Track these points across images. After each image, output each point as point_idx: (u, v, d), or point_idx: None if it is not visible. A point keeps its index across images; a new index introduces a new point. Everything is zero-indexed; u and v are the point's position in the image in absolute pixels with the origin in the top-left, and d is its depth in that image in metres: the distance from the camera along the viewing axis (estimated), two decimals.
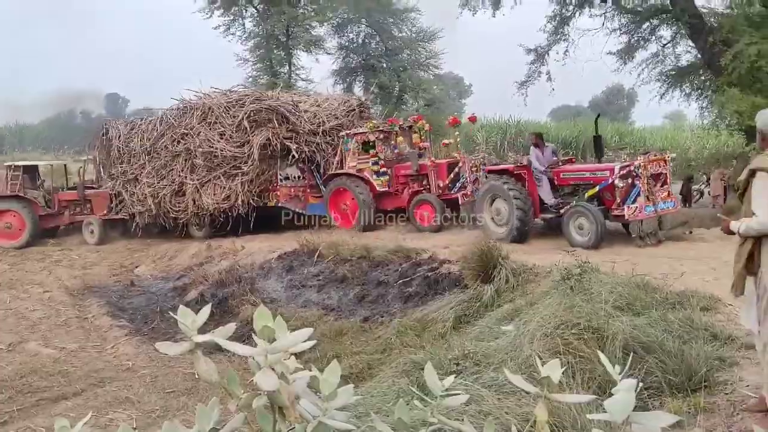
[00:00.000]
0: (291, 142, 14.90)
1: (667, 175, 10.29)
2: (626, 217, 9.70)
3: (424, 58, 29.22)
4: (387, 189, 13.87)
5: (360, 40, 28.82)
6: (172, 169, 15.90)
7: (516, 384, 1.57)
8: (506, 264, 8.16)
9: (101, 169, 18.24)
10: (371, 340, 8.11)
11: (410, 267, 9.97)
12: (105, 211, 17.33)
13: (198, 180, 15.36)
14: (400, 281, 9.65)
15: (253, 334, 1.40)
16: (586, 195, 10.15)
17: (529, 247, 10.07)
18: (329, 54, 28.34)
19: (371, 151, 14.03)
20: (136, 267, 14.65)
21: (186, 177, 15.58)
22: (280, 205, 15.27)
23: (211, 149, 15.03)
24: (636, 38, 15.07)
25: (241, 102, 15.31)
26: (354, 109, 16.78)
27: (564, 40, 16.01)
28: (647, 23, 14.83)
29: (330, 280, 10.62)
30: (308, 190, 15.73)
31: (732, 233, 3.82)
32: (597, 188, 10.07)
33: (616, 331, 4.57)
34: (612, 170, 10.00)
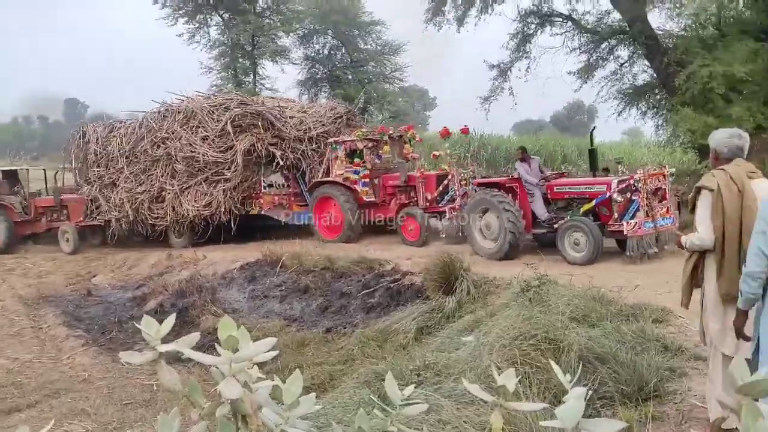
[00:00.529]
0: (276, 149, 14.55)
1: (666, 190, 9.93)
2: (625, 233, 9.30)
3: (389, 71, 29.49)
4: (374, 199, 13.52)
5: (326, 52, 28.95)
6: (152, 174, 15.36)
7: (473, 393, 1.64)
8: (468, 276, 8.28)
9: (77, 174, 17.48)
10: (333, 351, 8.12)
11: (373, 278, 10.02)
12: (81, 218, 16.70)
13: (178, 186, 14.83)
14: (363, 292, 9.69)
15: (216, 344, 1.44)
16: (582, 209, 9.88)
17: (491, 259, 10.21)
18: (295, 64, 28.43)
19: (357, 160, 13.68)
20: (94, 276, 14.35)
21: (166, 182, 15.04)
22: (263, 213, 14.87)
23: (193, 154, 14.55)
24: (595, 57, 15.52)
25: (225, 106, 14.85)
26: (341, 117, 16.43)
27: (526, 57, 16.39)
28: (606, 43, 15.30)
29: (293, 290, 10.61)
30: (292, 198, 15.34)
31: (683, 248, 4.00)
32: (593, 203, 9.80)
33: (572, 342, 4.69)
34: (609, 184, 9.73)
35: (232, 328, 1.50)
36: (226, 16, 26.26)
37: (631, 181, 9.61)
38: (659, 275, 8.13)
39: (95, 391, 7.34)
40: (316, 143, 15.26)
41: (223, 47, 26.33)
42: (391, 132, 14.27)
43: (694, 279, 3.88)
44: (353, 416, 3.90)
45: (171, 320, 1.53)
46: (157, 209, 15.20)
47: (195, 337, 1.56)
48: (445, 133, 13.38)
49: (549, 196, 10.54)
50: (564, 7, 15.67)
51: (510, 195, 10.41)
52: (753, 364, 3.18)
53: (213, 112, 14.76)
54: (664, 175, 9.90)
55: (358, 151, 13.69)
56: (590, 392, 4.20)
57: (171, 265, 13.49)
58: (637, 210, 9.50)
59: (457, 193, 12.15)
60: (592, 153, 11.21)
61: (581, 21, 15.45)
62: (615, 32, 14.77)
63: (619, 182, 9.68)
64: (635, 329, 5.42)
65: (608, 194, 9.63)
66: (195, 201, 14.56)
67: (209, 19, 26.69)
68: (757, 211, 3.61)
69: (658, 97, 15.23)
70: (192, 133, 14.73)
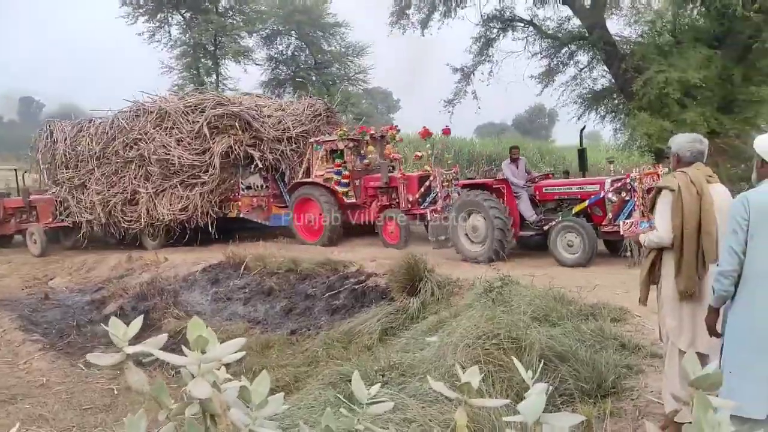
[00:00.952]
0: (254, 150, 14.10)
1: None
2: (622, 233, 8.95)
3: (353, 73, 29.52)
4: (355, 201, 13.17)
5: (289, 53, 28.82)
6: (124, 176, 14.81)
7: (438, 390, 1.69)
8: (432, 277, 8.37)
9: (45, 174, 16.76)
10: (298, 352, 8.12)
11: (338, 280, 10.04)
12: (50, 219, 16.16)
13: (152, 189, 14.31)
14: (328, 294, 9.70)
15: (183, 346, 1.45)
16: (573, 210, 9.64)
17: (454, 261, 10.31)
18: (258, 65, 28.23)
19: (338, 161, 13.33)
20: (51, 279, 14.01)
21: (139, 185, 14.53)
22: (241, 216, 14.47)
23: (168, 156, 14.02)
24: (556, 62, 15.83)
25: (200, 107, 14.28)
26: (320, 114, 15.95)
27: (489, 61, 16.61)
28: (566, 48, 15.61)
29: (256, 292, 10.56)
30: (272, 200, 14.96)
31: (641, 246, 4.15)
32: (586, 203, 9.55)
33: (533, 341, 4.80)
34: (602, 184, 9.52)
35: (201, 328, 1.52)
36: (187, 15, 25.93)
37: (627, 180, 9.33)
38: (617, 276, 8.34)
39: (54, 396, 7.19)
40: (296, 143, 14.88)
41: (185, 47, 26.00)
42: (372, 132, 13.90)
43: (652, 276, 4.02)
44: (319, 417, 3.93)
45: (138, 322, 1.54)
46: (131, 212, 14.70)
47: (162, 338, 1.57)
48: (426, 134, 12.98)
49: (537, 198, 10.32)
50: (525, 13, 16.01)
51: (496, 196, 10.17)
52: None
53: (188, 113, 14.24)
54: (658, 175, 9.48)
55: (339, 152, 13.38)
56: (551, 389, 4.31)
57: (131, 267, 13.27)
58: (633, 210, 9.16)
59: (440, 194, 11.89)
60: (582, 153, 11.09)
61: (542, 26, 15.74)
62: (575, 38, 15.10)
63: (613, 182, 9.50)
64: (594, 328, 5.57)
65: (602, 194, 9.45)
66: (170, 205, 14.11)
67: (170, 18, 26.33)
68: (715, 213, 3.77)
69: (616, 101, 15.61)
70: (166, 135, 14.21)
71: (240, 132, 14.01)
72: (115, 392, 7.39)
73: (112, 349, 1.57)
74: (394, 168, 13.23)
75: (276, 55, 28.71)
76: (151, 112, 14.60)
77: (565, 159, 29.46)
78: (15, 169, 18.76)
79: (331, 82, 28.35)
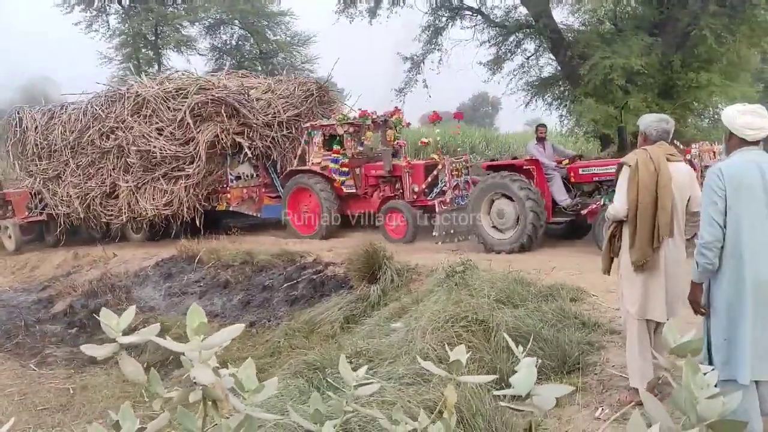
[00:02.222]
0: (243, 138, 12.97)
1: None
2: None
3: (299, 62, 29.20)
4: (354, 191, 12.13)
5: (234, 42, 28.28)
6: (102, 168, 13.69)
7: (428, 369, 1.73)
8: (391, 264, 8.42)
9: (17, 165, 15.55)
10: (259, 344, 8.06)
11: (295, 270, 9.99)
12: (25, 213, 15.09)
13: (133, 182, 13.18)
14: (286, 285, 9.65)
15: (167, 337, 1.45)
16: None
17: (411, 247, 10.39)
18: (202, 55, 27.55)
19: (336, 147, 12.23)
20: None
21: (119, 177, 13.41)
22: (232, 209, 13.53)
23: (148, 148, 12.85)
24: (503, 50, 16.06)
25: (182, 93, 12.97)
26: (312, 94, 14.63)
27: (438, 49, 16.73)
28: (513, 36, 15.85)
29: (212, 286, 10.42)
30: (263, 190, 13.87)
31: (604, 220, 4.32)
32: None
33: (500, 322, 4.93)
34: None
35: (201, 315, 1.52)
36: (126, 3, 25.11)
37: (686, 157, 8.19)
38: (570, 258, 8.59)
39: (6, 398, 6.95)
40: (287, 128, 13.75)
41: (124, 36, 25.17)
42: (374, 115, 12.70)
43: (612, 247, 4.19)
44: (294, 404, 3.93)
45: (131, 312, 1.53)
46: (111, 206, 13.63)
47: (156, 327, 1.57)
48: (435, 118, 12.07)
49: (571, 180, 9.50)
50: (473, 1, 16.16)
51: (526, 178, 9.34)
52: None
53: (168, 99, 12.98)
54: (714, 152, 8.84)
55: (337, 137, 12.28)
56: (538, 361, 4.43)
57: (78, 264, 12.87)
58: None
59: (449, 184, 10.93)
60: (621, 130, 10.43)
61: (490, 15, 15.94)
62: (522, 26, 15.35)
63: None
64: (555, 308, 5.74)
65: None
66: (153, 199, 13.02)
67: (108, 7, 25.43)
68: (674, 189, 3.95)
69: (562, 88, 15.98)
70: (145, 124, 13.03)
71: (226, 119, 12.86)
72: (71, 392, 7.19)
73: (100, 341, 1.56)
74: (396, 155, 12.28)
75: (220, 45, 28.11)
76: (127, 98, 13.34)
77: (510, 147, 29.99)
78: None
79: (276, 72, 27.96)
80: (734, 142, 3.34)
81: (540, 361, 4.60)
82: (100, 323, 1.48)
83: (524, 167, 9.44)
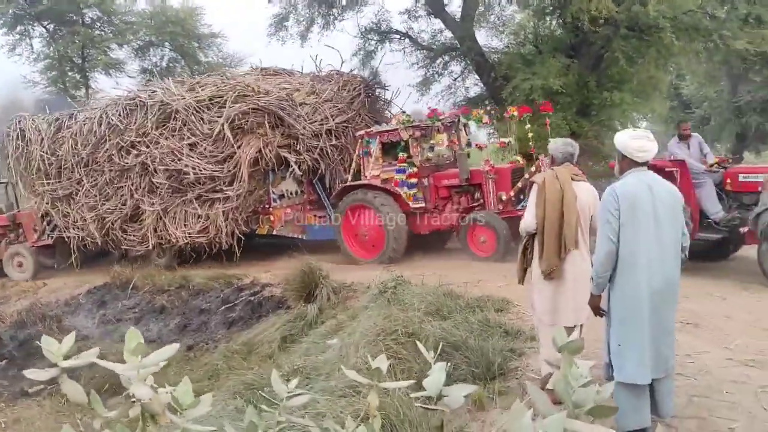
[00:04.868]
0: (288, 152, 11.33)
1: None
2: None
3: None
4: (423, 205, 10.55)
5: (164, 64, 27.99)
6: (121, 187, 12.01)
7: (352, 377, 1.97)
8: (327, 283, 8.62)
9: (19, 183, 13.61)
10: (197, 368, 8.10)
11: (232, 292, 10.06)
12: (35, 237, 13.62)
13: (160, 205, 11.52)
14: (223, 307, 9.71)
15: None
16: None
17: (348, 265, 10.60)
18: (131, 77, 27.13)
19: (401, 155, 10.63)
20: None
21: (142, 199, 11.71)
22: (275, 232, 11.90)
23: (179, 167, 11.19)
24: (431, 72, 16.62)
25: (218, 102, 11.25)
26: (359, 95, 13.08)
27: (371, 72, 17.09)
28: (440, 59, 16.42)
29: (148, 311, 10.36)
30: (308, 208, 12.26)
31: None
32: None
33: (428, 333, 5.22)
34: None
35: (138, 337, 1.73)
36: (51, 26, 24.53)
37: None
38: (498, 271, 8.98)
39: None
40: (336, 137, 12.12)
41: (50, 60, 24.58)
42: (444, 116, 11.00)
43: (525, 259, 4.57)
44: (229, 422, 4.09)
45: (71, 338, 1.72)
46: (133, 231, 12.01)
47: (95, 351, 1.76)
48: (525, 111, 10.40)
49: (729, 188, 7.90)
50: (401, 25, 16.69)
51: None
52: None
53: (201, 110, 11.28)
54: None
55: (401, 144, 10.73)
56: (448, 375, 4.73)
57: (6, 295, 12.49)
58: None
59: None
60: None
61: (417, 38, 16.49)
62: (448, 49, 15.94)
63: None
64: (481, 318, 6.08)
65: None
66: (185, 225, 11.41)
67: (31, 30, 24.78)
68: (578, 207, 4.35)
69: (489, 108, 16.63)
70: (174, 138, 11.32)
71: (270, 130, 11.21)
72: (3, 425, 7.06)
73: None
74: (469, 156, 10.67)
75: (150, 67, 27.77)
76: (150, 107, 11.60)
77: None
78: (7, 183, 15.00)
79: None
80: (626, 163, 3.72)
81: (466, 368, 4.97)
82: (36, 351, 1.66)
83: (666, 169, 7.64)
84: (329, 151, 11.95)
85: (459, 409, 4.43)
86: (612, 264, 3.57)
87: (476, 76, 15.92)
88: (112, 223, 12.10)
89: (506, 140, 10.92)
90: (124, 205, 11.96)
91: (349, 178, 11.25)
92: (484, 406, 4.47)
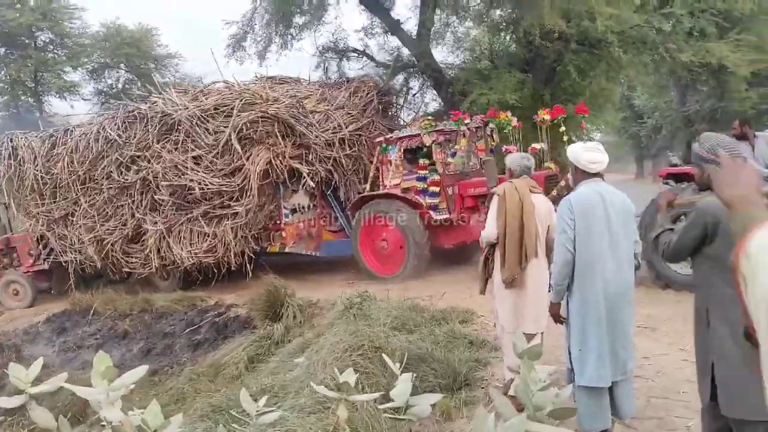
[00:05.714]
0: (300, 163, 10.74)
1: None
2: None
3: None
4: (447, 216, 9.85)
5: (120, 86, 27.65)
6: (121, 206, 11.26)
7: (320, 392, 2.04)
8: (293, 301, 8.61)
9: (12, 205, 12.78)
10: (162, 392, 7.97)
11: (197, 315, 9.94)
12: (29, 262, 12.89)
13: (164, 223, 10.74)
14: (188, 330, 9.59)
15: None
16: None
17: (313, 282, 10.59)
18: (86, 100, 26.74)
19: (423, 161, 10.00)
20: None
21: (144, 218, 10.94)
22: (287, 250, 11.17)
23: (183, 182, 10.43)
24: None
25: (223, 111, 10.47)
26: (372, 101, 12.61)
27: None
28: (399, 75, 16.63)
29: (110, 337, 10.15)
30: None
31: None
32: None
33: (395, 347, 5.28)
34: None
35: (107, 360, 1.77)
36: (2, 50, 24.07)
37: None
38: (462, 283, 9.11)
39: None
40: (350, 146, 11.60)
41: (1, 84, 24.10)
42: (469, 119, 10.21)
43: (487, 269, 4.69)
44: None
45: (38, 365, 1.75)
46: (135, 252, 11.26)
47: (64, 376, 1.79)
48: (558, 112, 9.76)
49: None
50: (358, 43, 16.89)
51: None
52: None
53: (206, 119, 10.47)
54: None
55: (423, 150, 10.10)
56: (415, 387, 4.80)
57: None
58: None
59: None
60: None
61: (374, 56, 16.70)
62: (405, 65, 16.16)
63: None
64: (446, 330, 6.19)
65: None
66: (191, 244, 10.61)
67: None
68: (535, 217, 4.50)
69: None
70: (177, 151, 10.51)
71: (280, 140, 10.53)
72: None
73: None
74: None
75: (105, 89, 27.42)
76: (151, 119, 10.87)
77: None
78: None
79: None
80: (579, 174, 3.87)
81: (432, 380, 5.04)
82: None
83: None
84: (343, 161, 11.44)
85: (426, 420, 4.51)
86: (569, 272, 3.70)
87: (434, 92, 16.16)
88: (112, 245, 11.35)
89: (537, 146, 10.00)
90: (125, 225, 11.22)
91: (367, 188, 10.66)
92: (451, 416, 4.55)
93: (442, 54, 16.60)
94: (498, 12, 14.91)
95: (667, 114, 25.28)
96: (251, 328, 8.82)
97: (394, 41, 16.36)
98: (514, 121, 10.06)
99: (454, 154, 10.11)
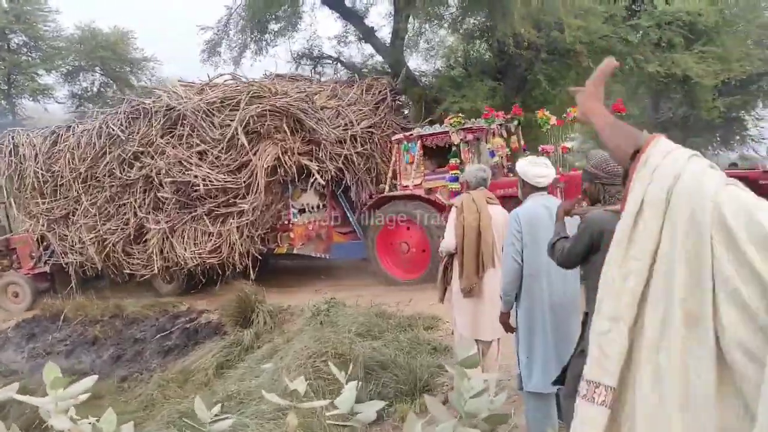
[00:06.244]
0: (310, 160, 10.40)
1: None
2: None
3: None
4: None
5: (95, 89, 27.47)
6: (123, 205, 10.88)
7: (270, 400, 2.15)
8: (263, 308, 8.69)
9: (13, 204, 12.44)
10: (132, 399, 8.00)
11: (168, 320, 9.96)
12: (30, 264, 12.53)
13: (167, 222, 10.36)
14: (159, 336, 9.60)
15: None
16: None
17: (285, 287, 10.65)
18: (60, 103, 26.52)
19: (453, 161, 9.43)
20: None
21: (147, 217, 10.57)
22: (295, 251, 10.79)
23: (187, 178, 9.98)
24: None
25: (230, 104, 10.07)
26: (385, 99, 12.34)
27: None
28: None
29: (80, 343, 10.11)
30: (331, 224, 11.27)
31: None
32: None
33: (358, 354, 5.40)
34: None
35: (56, 371, 1.86)
36: None
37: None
38: (429, 290, 9.22)
39: None
40: (362, 143, 11.29)
41: None
42: (501, 116, 9.78)
43: (446, 278, 4.83)
44: None
45: None
46: (137, 253, 10.89)
47: (15, 386, 1.88)
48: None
49: None
50: (332, 50, 16.99)
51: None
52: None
53: (212, 113, 10.07)
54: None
55: (450, 148, 9.60)
56: (375, 394, 4.91)
57: None
58: None
59: None
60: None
61: (348, 63, 16.81)
62: (379, 73, 16.30)
63: None
64: (411, 337, 6.31)
65: None
66: (195, 244, 10.21)
67: None
68: (492, 227, 4.65)
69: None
70: (181, 146, 10.15)
71: (289, 135, 10.16)
72: None
73: None
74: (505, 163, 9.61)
75: (80, 92, 27.20)
76: (155, 113, 10.44)
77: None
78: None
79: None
80: (527, 189, 4.03)
81: (395, 385, 5.16)
82: None
83: (760, 182, 6.56)
84: (354, 159, 11.11)
85: (385, 425, 4.62)
86: (518, 282, 3.85)
87: (406, 98, 16.31)
88: (114, 245, 10.96)
89: (569, 145, 9.61)
90: (127, 224, 10.82)
91: (387, 188, 10.24)
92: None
93: (416, 62, 16.77)
94: (472, 20, 15.12)
95: (641, 121, 25.69)
96: (222, 334, 8.88)
97: (367, 49, 16.52)
98: (553, 119, 9.51)
99: (493, 154, 9.47)
